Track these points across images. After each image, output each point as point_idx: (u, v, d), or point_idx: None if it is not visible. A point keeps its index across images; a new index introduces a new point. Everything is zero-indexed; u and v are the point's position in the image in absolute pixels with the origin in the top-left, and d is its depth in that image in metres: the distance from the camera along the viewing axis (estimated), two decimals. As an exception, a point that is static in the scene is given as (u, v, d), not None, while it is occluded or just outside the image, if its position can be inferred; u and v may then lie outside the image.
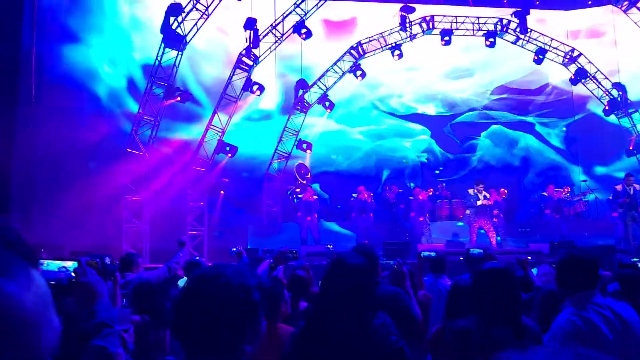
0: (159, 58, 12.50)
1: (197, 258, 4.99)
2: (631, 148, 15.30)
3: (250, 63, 13.83)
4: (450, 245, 10.63)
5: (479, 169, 17.09)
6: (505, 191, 11.86)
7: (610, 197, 12.58)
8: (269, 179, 15.17)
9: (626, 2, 14.53)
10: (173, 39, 12.32)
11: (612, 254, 8.48)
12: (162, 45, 12.41)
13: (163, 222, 12.61)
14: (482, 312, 2.55)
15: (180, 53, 12.61)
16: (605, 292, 3.59)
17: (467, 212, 11.89)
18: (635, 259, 7.39)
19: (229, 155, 13.75)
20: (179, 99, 12.64)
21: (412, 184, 16.07)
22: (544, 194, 12.56)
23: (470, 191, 11.77)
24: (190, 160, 13.64)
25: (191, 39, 12.69)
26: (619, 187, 10.52)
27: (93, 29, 13.57)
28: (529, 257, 8.98)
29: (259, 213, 14.85)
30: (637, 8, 14.49)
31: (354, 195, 11.89)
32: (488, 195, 11.66)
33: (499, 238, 11.59)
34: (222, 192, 13.89)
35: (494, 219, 11.82)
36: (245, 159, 14.96)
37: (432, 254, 4.68)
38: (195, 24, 12.56)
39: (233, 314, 1.19)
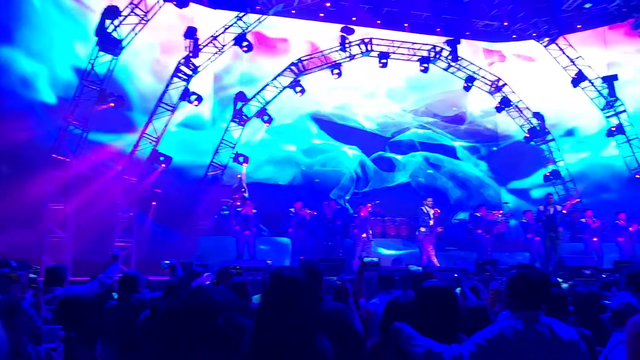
0: (91, 61, 12.00)
1: (133, 273, 4.77)
2: (548, 174, 16.43)
3: (189, 72, 13.61)
4: (396, 262, 10.80)
5: (407, 188, 17.69)
6: (439, 211, 12.30)
7: (524, 220, 13.46)
8: (203, 191, 14.87)
9: (547, 39, 15.70)
10: (108, 43, 11.88)
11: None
12: (97, 48, 11.93)
13: (88, 233, 11.98)
14: (423, 328, 2.64)
15: (115, 57, 12.18)
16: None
17: (422, 229, 11.80)
18: (559, 279, 7.95)
19: (163, 165, 13.38)
20: (112, 104, 12.16)
21: (343, 201, 16.32)
22: (477, 214, 13.10)
23: (424, 209, 11.88)
24: (122, 169, 13.13)
25: (127, 44, 12.30)
26: (541, 208, 11.22)
27: (21, 22, 12.76)
28: (455, 275, 9.41)
29: (192, 225, 14.47)
30: (557, 44, 15.69)
31: (291, 210, 11.89)
32: (439, 211, 11.96)
33: None
34: (153, 203, 13.43)
35: None
36: (180, 170, 14.60)
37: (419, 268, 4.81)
38: (133, 29, 12.21)
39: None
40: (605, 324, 3.53)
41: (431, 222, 11.47)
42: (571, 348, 2.41)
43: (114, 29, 11.89)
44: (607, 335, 3.48)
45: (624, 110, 15.43)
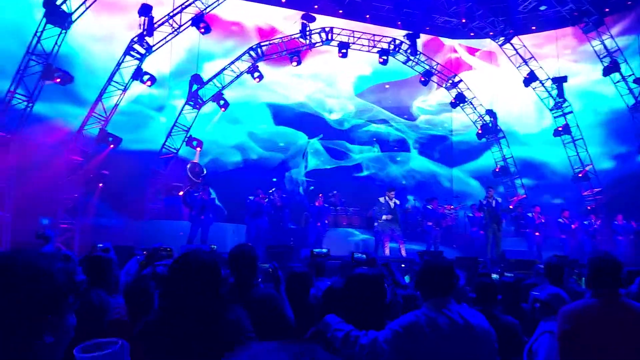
0: (38, 33, 11.46)
1: (69, 252, 4.57)
2: (497, 170, 16.94)
3: (143, 51, 13.20)
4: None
5: (362, 180, 17.86)
6: (398, 202, 12.37)
7: (470, 215, 13.83)
8: (154, 174, 14.51)
9: (502, 38, 16.09)
10: (56, 15, 11.36)
11: (475, 265, 9.30)
12: (44, 20, 11.39)
13: (29, 212, 11.52)
14: (351, 315, 2.66)
15: (63, 31, 11.66)
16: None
17: (384, 218, 11.55)
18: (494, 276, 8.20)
19: (112, 146, 12.98)
20: (58, 80, 11.65)
21: (302, 189, 16.32)
22: (429, 207, 13.33)
23: (382, 199, 11.77)
24: (67, 148, 12.64)
25: (77, 18, 11.80)
26: (483, 201, 11.52)
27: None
28: (403, 265, 9.58)
29: (140, 209, 14.14)
30: (511, 44, 16.10)
31: (250, 197, 11.75)
32: (398, 202, 11.84)
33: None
34: (100, 184, 13.02)
35: None
36: (130, 151, 14.18)
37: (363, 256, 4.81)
38: (84, 1, 11.72)
39: (22, 301, 1.11)
40: (528, 313, 3.66)
41: (383, 217, 11.40)
42: (480, 333, 2.48)
43: (64, 2, 11.37)
44: (529, 324, 3.65)
45: (572, 112, 16.02)
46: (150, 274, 3.31)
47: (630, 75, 14.57)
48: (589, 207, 14.99)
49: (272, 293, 3.27)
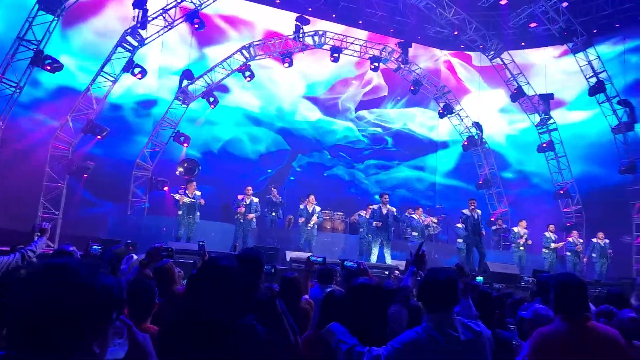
0: (30, 19, 11.27)
1: (70, 247, 4.48)
2: (480, 182, 17.18)
3: (135, 44, 13.07)
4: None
5: (347, 184, 17.95)
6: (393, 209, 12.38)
7: (457, 226, 13.94)
8: (139, 168, 14.36)
9: (492, 52, 16.34)
10: (49, 2, 11.19)
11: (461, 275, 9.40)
12: (36, 6, 11.21)
13: (10, 200, 11.32)
14: (353, 323, 2.69)
15: (56, 19, 11.50)
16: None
17: (374, 224, 11.28)
18: (479, 279, 8.30)
19: (98, 137, 12.81)
20: (48, 67, 11.47)
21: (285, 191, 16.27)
22: (414, 216, 13.40)
23: (375, 206, 11.68)
24: (54, 137, 12.45)
25: (71, 6, 11.65)
26: (465, 211, 11.63)
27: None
28: (386, 272, 9.64)
29: (125, 203, 13.97)
30: (501, 59, 16.36)
31: (239, 196, 11.69)
32: (393, 210, 11.63)
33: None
34: (85, 175, 12.84)
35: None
36: (117, 144, 14.03)
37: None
38: (78, -10, 11.58)
39: (79, 311, 1.12)
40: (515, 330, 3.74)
41: (376, 224, 11.39)
42: (480, 346, 2.51)
43: (57, -12, 11.22)
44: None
45: (556, 128, 16.34)
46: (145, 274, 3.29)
47: (614, 97, 14.92)
48: (568, 224, 15.29)
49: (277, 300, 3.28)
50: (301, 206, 12.11)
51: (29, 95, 12.26)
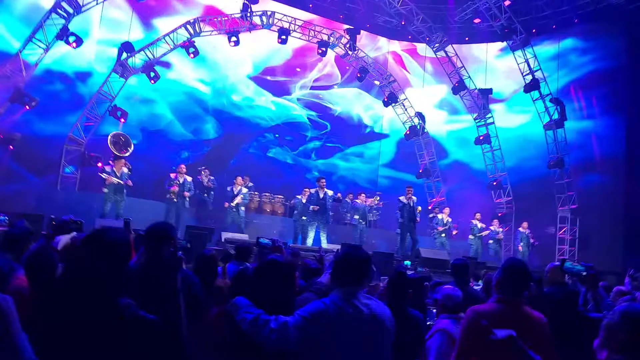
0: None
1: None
2: (420, 171, 17.60)
3: (71, 10, 12.42)
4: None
5: (286, 167, 17.94)
6: (330, 192, 12.42)
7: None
8: (72, 142, 13.72)
9: (437, 45, 16.68)
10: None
11: (391, 260, 9.65)
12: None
13: None
14: (260, 299, 2.68)
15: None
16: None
17: (311, 208, 11.51)
18: (407, 262, 8.57)
19: (27, 107, 12.13)
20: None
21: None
22: (357, 200, 13.56)
23: (312, 190, 11.72)
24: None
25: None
26: (402, 198, 11.91)
27: None
28: (321, 254, 9.73)
29: (55, 177, 13.35)
30: (445, 52, 16.73)
31: (172, 174, 11.40)
32: (330, 193, 11.74)
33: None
34: (11, 147, 12.15)
35: None
36: (48, 115, 13.33)
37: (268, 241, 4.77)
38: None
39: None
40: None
41: (313, 207, 11.42)
42: (381, 323, 2.60)
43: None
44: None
45: (493, 122, 16.95)
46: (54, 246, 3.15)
47: (547, 95, 15.61)
48: (499, 214, 15.96)
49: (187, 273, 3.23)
50: (228, 188, 12.03)
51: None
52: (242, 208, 12.09)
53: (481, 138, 16.87)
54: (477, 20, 16.94)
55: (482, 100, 16.79)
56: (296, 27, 16.27)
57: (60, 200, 12.00)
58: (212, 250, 4.11)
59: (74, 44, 12.57)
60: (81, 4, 12.55)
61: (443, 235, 13.30)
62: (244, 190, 12.07)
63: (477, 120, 17.16)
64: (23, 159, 12.70)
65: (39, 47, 12.25)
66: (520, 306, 2.92)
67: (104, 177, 10.59)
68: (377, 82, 17.97)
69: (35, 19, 12.55)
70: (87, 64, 14.74)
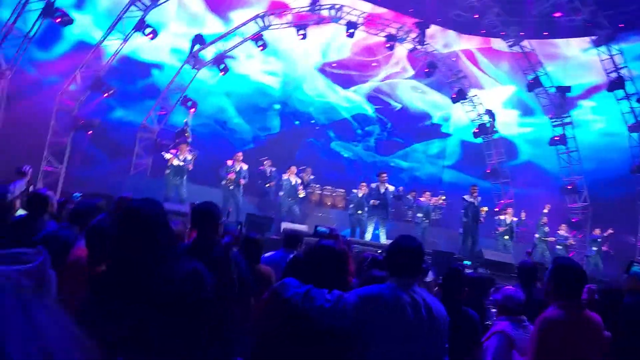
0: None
1: (47, 192, 4.46)
2: (488, 171, 16.93)
3: (148, 3, 12.93)
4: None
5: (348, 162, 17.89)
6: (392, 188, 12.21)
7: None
8: (145, 130, 14.36)
9: (512, 40, 15.93)
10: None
11: (450, 260, 9.32)
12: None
13: (15, 150, 11.37)
14: (306, 281, 2.63)
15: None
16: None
17: (371, 202, 11.19)
18: (467, 262, 8.26)
19: (105, 94, 12.80)
20: (58, 20, 11.41)
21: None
22: (421, 199, 13.25)
23: (373, 185, 11.42)
24: (61, 92, 12.46)
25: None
26: (467, 197, 11.47)
27: None
28: (379, 252, 9.58)
29: (128, 163, 14.03)
30: (521, 47, 15.95)
31: (228, 162, 11.63)
32: (392, 188, 11.41)
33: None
34: (90, 132, 12.87)
35: None
36: (124, 103, 14.02)
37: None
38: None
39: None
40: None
41: (373, 202, 11.25)
42: (437, 317, 2.51)
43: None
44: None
45: (571, 122, 15.98)
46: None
47: (633, 94, 14.49)
48: (573, 220, 15.05)
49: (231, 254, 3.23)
50: (284, 176, 12.01)
51: (41, 48, 12.21)
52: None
53: (556, 139, 15.95)
54: (557, 14, 15.99)
55: (559, 99, 15.85)
56: (364, 20, 16.09)
57: (131, 184, 12.57)
58: (258, 235, 4.10)
59: (151, 36, 13.09)
60: (158, -4, 13.03)
61: (506, 237, 12.67)
62: (298, 180, 12.01)
63: (552, 120, 16.23)
64: (100, 144, 13.42)
65: (118, 38, 12.85)
66: (581, 310, 2.80)
67: (166, 157, 10.96)
68: (445, 78, 17.44)
69: (117, 12, 13.22)
70: (162, 55, 15.35)
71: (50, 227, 3.88)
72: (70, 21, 11.55)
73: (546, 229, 13.15)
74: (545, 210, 13.26)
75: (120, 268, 2.07)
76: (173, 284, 1.98)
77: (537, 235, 13.12)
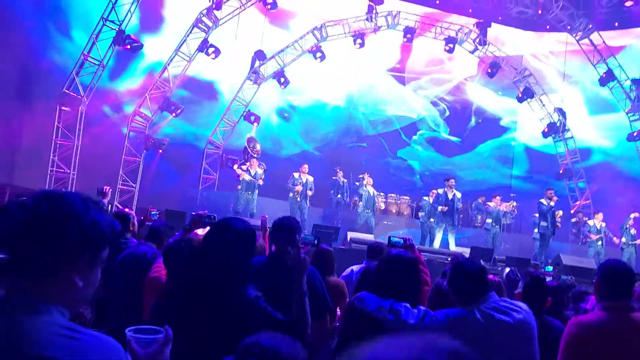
0: (113, 1, 11.88)
1: (127, 210, 4.76)
2: (561, 172, 16.13)
3: (210, 24, 13.43)
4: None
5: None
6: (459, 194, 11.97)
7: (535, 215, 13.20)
8: (211, 145, 14.86)
9: (580, 33, 15.18)
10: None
11: (527, 266, 8.93)
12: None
13: (93, 171, 12.11)
14: (381, 293, 2.59)
15: (136, 0, 12.05)
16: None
17: (439, 209, 10.93)
18: (548, 268, 7.89)
19: (174, 114, 13.36)
20: (128, 47, 12.08)
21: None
22: (490, 204, 12.88)
23: (440, 190, 11.30)
24: (132, 114, 13.15)
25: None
26: (543, 201, 10.94)
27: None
28: (448, 259, 9.35)
29: (196, 178, 14.55)
30: (590, 40, 15.17)
31: (295, 174, 11.77)
32: (459, 195, 11.19)
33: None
34: (160, 150, 13.47)
35: None
36: (190, 122, 14.59)
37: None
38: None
39: (62, 237, 1.13)
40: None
41: (441, 208, 11.02)
42: (525, 328, 2.44)
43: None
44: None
45: (649, 116, 14.98)
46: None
47: None
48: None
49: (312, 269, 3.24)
50: (359, 189, 12.02)
51: (112, 73, 12.95)
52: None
53: (635, 134, 14.97)
54: (629, 3, 15.08)
55: (636, 91, 14.88)
56: (422, 24, 15.87)
57: (201, 198, 13.01)
58: (329, 247, 4.10)
59: (213, 55, 13.56)
60: (219, 17, 13.49)
61: (599, 243, 11.91)
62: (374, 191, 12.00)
63: (630, 114, 15.26)
64: (169, 161, 14.01)
65: (183, 59, 13.41)
66: (628, 313, 2.56)
67: (238, 172, 11.23)
68: (510, 78, 16.83)
69: (172, 34, 13.87)
70: (224, 72, 15.84)
71: (132, 244, 4.09)
72: (139, 47, 12.19)
73: (633, 231, 12.23)
74: (633, 215, 12.33)
75: (198, 286, 2.12)
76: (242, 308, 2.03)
77: (623, 240, 12.18)
